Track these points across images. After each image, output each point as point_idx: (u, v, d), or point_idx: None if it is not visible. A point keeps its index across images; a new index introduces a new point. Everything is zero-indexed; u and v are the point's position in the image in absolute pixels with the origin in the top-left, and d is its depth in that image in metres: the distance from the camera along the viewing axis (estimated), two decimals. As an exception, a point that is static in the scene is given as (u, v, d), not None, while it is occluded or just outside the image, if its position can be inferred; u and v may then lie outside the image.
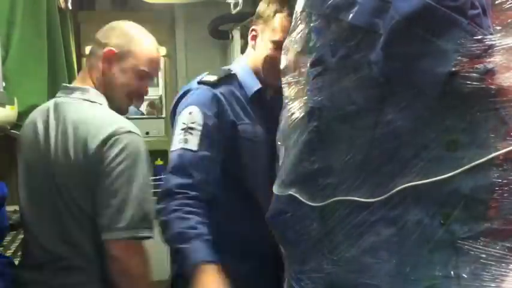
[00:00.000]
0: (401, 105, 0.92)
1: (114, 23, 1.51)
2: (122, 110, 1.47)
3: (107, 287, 1.31)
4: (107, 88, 1.43)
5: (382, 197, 0.95)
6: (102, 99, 1.42)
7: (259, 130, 1.56)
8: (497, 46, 0.82)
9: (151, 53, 1.47)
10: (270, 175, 1.38)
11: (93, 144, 1.27)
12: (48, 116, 1.38)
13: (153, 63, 1.48)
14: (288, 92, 1.23)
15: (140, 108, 3.66)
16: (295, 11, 1.20)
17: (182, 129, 1.47)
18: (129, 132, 1.31)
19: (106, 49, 1.41)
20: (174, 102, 1.67)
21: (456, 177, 0.85)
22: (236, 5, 2.79)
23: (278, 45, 1.41)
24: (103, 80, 1.43)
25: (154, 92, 3.40)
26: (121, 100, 1.45)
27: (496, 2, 0.86)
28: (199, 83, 1.57)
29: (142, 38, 1.49)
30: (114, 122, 1.33)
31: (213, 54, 3.44)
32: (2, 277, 1.34)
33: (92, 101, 1.40)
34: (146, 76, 1.47)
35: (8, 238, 2.31)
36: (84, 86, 1.43)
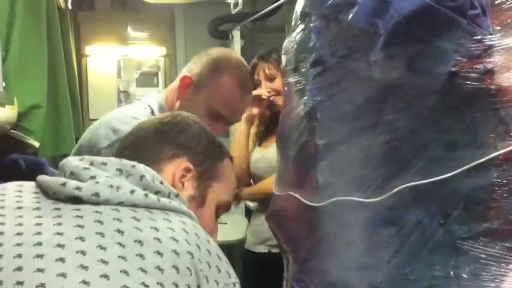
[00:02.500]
0: (401, 105, 0.92)
1: (210, 50, 1.32)
2: None
3: None
4: None
5: (382, 197, 0.95)
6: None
7: None
8: (497, 46, 0.82)
9: (232, 94, 1.26)
10: None
11: None
12: None
13: (230, 105, 1.27)
14: (288, 92, 1.23)
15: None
16: (295, 11, 1.20)
17: None
18: None
19: (184, 75, 1.27)
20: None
21: (456, 177, 0.85)
22: (236, 5, 2.79)
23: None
24: (177, 105, 1.27)
25: (154, 92, 3.41)
26: None
27: (496, 2, 0.86)
28: None
29: (230, 72, 1.27)
30: None
31: (213, 54, 3.45)
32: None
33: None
34: (219, 117, 1.27)
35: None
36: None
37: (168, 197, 0.76)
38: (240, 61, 1.33)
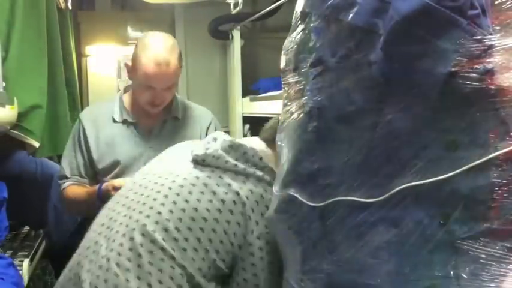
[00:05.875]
0: (401, 105, 0.92)
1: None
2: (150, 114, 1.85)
3: None
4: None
5: (382, 197, 0.95)
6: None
7: None
8: (497, 46, 0.82)
9: (147, 64, 1.72)
10: None
11: None
12: None
13: (151, 75, 1.71)
14: (287, 92, 1.23)
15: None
16: (295, 11, 1.20)
17: None
18: None
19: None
20: None
21: (456, 178, 0.85)
22: (236, 5, 2.79)
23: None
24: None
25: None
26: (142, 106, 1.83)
27: (496, 2, 0.86)
28: None
29: (143, 51, 1.74)
30: None
31: (213, 54, 3.44)
32: (4, 279, 1.33)
33: None
34: (150, 87, 1.75)
35: (8, 238, 2.31)
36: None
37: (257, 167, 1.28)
38: (150, 36, 1.82)
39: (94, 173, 1.88)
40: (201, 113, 1.97)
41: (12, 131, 1.88)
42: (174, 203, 1.20)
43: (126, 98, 1.91)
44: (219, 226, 1.20)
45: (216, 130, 1.85)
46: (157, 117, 1.86)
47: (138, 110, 1.86)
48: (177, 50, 1.76)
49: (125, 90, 1.95)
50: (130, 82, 1.99)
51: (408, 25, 0.87)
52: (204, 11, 3.21)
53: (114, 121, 1.86)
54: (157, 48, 1.70)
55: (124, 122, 1.86)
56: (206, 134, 1.82)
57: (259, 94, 2.92)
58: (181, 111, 1.91)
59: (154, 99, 1.75)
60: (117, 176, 1.80)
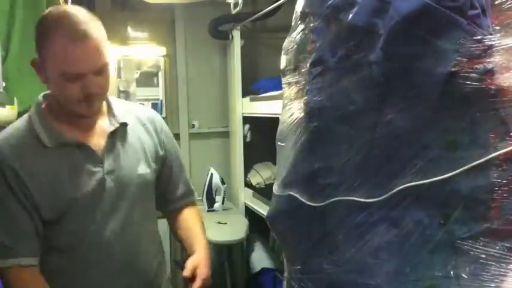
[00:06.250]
0: (401, 105, 0.92)
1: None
2: (83, 116, 1.26)
3: None
4: (55, 99, 1.29)
5: (382, 197, 0.95)
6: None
7: None
8: (497, 46, 0.82)
9: (65, 48, 1.16)
10: None
11: None
12: None
13: (71, 60, 1.17)
14: (288, 92, 1.23)
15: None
16: (295, 11, 1.20)
17: None
18: None
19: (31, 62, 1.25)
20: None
21: (456, 178, 0.85)
22: (236, 5, 2.78)
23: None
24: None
25: (154, 92, 3.39)
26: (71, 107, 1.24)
27: (496, 2, 0.86)
28: None
29: (49, 32, 1.18)
30: None
31: (213, 54, 3.44)
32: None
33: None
34: (73, 77, 1.18)
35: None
36: None
37: None
38: (54, 14, 1.21)
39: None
40: (146, 113, 1.44)
41: (12, 131, 1.88)
42: None
43: (48, 114, 1.28)
44: None
45: (163, 129, 1.42)
46: (101, 130, 1.30)
47: (71, 125, 1.27)
48: (96, 20, 1.22)
49: (39, 109, 1.30)
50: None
51: (408, 25, 0.87)
52: (204, 11, 3.21)
53: (44, 147, 1.23)
54: (69, 21, 1.17)
55: (60, 145, 1.25)
56: (159, 137, 1.39)
57: (259, 94, 2.92)
58: (126, 115, 1.35)
59: (86, 89, 1.19)
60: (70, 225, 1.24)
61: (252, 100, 2.98)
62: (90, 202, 1.24)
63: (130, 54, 3.48)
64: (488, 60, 0.82)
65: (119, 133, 1.31)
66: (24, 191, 1.20)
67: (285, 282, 1.25)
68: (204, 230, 1.41)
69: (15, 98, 1.78)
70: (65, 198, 1.23)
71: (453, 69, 0.84)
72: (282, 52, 1.26)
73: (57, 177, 1.23)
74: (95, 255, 1.24)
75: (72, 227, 1.23)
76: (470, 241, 0.84)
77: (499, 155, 0.82)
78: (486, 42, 0.83)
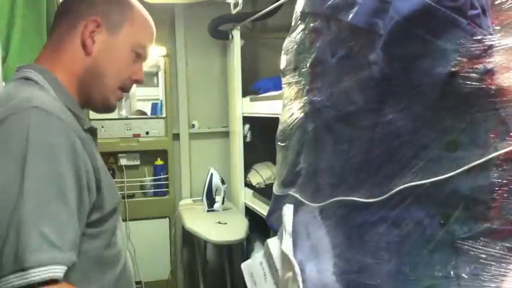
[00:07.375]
0: (401, 105, 0.92)
1: None
2: (109, 108, 1.06)
3: None
4: (87, 76, 1.00)
5: (382, 197, 0.95)
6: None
7: None
8: (497, 46, 0.82)
9: (147, 21, 1.06)
10: None
11: None
12: None
13: (150, 36, 1.07)
14: (288, 92, 1.23)
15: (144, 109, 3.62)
16: (295, 11, 1.20)
17: None
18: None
19: (80, 21, 0.99)
20: None
21: (456, 178, 0.85)
22: (236, 5, 2.79)
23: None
24: (88, 63, 1.00)
25: (154, 92, 3.38)
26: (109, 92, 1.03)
27: (496, 2, 0.86)
28: None
29: (134, 4, 1.04)
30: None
31: (213, 54, 3.44)
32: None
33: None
34: (141, 56, 1.05)
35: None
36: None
37: None
38: None
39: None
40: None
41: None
42: None
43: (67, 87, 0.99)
44: None
45: None
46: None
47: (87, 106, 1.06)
48: None
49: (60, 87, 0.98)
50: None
51: (408, 25, 0.87)
52: (204, 11, 3.21)
53: (84, 130, 0.95)
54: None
55: (89, 130, 1.00)
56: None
57: (259, 94, 2.92)
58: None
59: (136, 75, 1.05)
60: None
61: (252, 100, 2.98)
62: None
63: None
64: (488, 60, 0.82)
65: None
66: (90, 183, 0.88)
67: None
68: None
69: (15, 98, 1.78)
70: (117, 198, 1.00)
71: (453, 69, 0.84)
72: (282, 52, 1.26)
73: (106, 171, 0.97)
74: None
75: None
76: (471, 241, 0.84)
77: (499, 155, 0.82)
78: (486, 42, 0.83)
